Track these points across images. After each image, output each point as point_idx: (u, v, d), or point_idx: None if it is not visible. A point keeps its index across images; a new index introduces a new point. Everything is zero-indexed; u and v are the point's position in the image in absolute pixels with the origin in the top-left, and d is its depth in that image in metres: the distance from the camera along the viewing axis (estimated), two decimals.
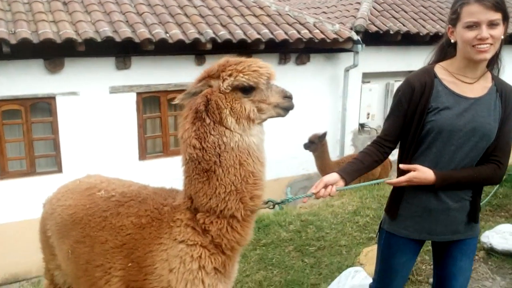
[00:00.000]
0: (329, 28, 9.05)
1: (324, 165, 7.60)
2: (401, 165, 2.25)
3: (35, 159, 7.58)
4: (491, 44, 2.05)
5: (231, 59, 2.11)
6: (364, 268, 3.73)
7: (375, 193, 6.00)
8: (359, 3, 10.62)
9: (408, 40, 10.10)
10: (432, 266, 2.77)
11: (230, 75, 2.02)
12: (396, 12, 10.58)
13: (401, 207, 2.35)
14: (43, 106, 7.55)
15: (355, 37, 9.09)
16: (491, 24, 2.04)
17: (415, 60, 10.58)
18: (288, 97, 2.15)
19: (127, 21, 7.59)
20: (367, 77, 10.65)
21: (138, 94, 8.10)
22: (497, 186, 5.19)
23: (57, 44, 6.74)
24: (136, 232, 2.18)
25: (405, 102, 2.24)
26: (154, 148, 8.69)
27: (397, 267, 2.45)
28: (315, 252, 4.54)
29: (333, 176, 2.25)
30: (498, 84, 2.23)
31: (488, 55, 2.08)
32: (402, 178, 2.20)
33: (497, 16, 2.04)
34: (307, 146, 7.53)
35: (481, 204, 2.38)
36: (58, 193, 2.68)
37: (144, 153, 8.39)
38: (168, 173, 6.96)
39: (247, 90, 2.05)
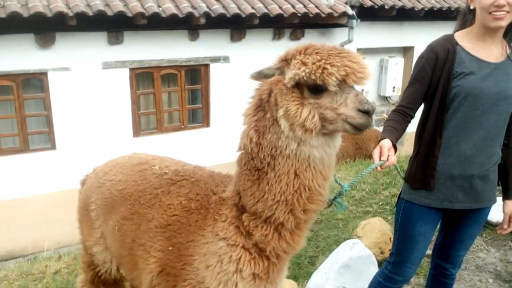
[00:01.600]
0: (323, 3, 8.94)
1: None
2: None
3: (28, 136, 7.49)
4: (508, 12, 2.06)
5: (315, 45, 1.70)
6: (361, 240, 3.76)
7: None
8: None
9: (403, 15, 9.97)
10: None
11: (295, 66, 1.65)
12: None
13: (428, 175, 2.31)
14: (35, 82, 7.43)
15: (350, 11, 8.98)
16: None
17: (409, 35, 10.51)
18: (364, 111, 1.64)
19: None
20: (362, 53, 10.43)
21: (131, 69, 7.99)
22: None
23: (47, 18, 6.59)
24: (183, 216, 2.03)
25: (429, 69, 2.24)
26: (148, 125, 8.64)
27: (417, 237, 2.44)
28: (312, 226, 4.54)
29: (390, 143, 2.16)
30: None
31: (504, 23, 2.09)
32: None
33: None
34: None
35: None
36: (105, 167, 2.56)
37: (138, 129, 8.34)
38: (162, 150, 6.91)
39: (316, 89, 1.65)
